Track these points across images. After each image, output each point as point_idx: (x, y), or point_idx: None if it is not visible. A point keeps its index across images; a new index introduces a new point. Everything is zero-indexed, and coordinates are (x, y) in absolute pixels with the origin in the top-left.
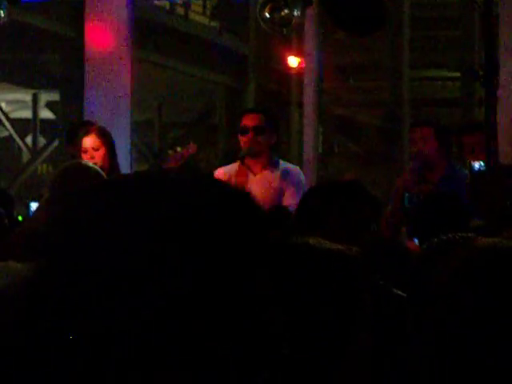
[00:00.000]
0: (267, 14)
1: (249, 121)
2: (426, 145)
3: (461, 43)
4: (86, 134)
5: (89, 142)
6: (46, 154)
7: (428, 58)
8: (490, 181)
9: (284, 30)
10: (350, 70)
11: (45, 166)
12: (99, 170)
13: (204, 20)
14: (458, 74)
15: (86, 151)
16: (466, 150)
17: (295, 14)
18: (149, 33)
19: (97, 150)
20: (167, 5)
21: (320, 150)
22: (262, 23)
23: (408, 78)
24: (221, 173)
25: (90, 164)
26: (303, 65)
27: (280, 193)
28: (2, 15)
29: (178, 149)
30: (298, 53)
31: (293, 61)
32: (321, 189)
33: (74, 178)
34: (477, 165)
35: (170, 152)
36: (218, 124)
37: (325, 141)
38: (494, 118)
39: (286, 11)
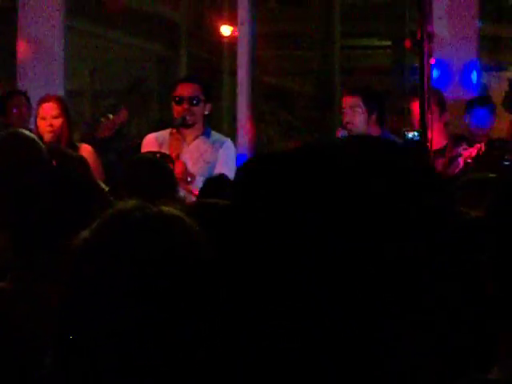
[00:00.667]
0: None
1: (184, 90)
2: (354, 114)
3: (391, 12)
4: (45, 100)
5: (48, 109)
6: None
7: (359, 27)
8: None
9: None
10: (281, 38)
11: None
12: (36, 138)
13: None
14: (388, 43)
15: (44, 118)
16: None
17: None
18: (80, 1)
19: (56, 117)
20: None
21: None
22: None
23: (339, 47)
24: (152, 138)
25: (27, 132)
26: (236, 33)
27: (212, 163)
28: None
29: (110, 116)
30: (230, 21)
31: (225, 30)
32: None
33: (10, 147)
34: (410, 134)
35: (103, 119)
36: (150, 92)
37: (256, 110)
38: (427, 87)
39: None
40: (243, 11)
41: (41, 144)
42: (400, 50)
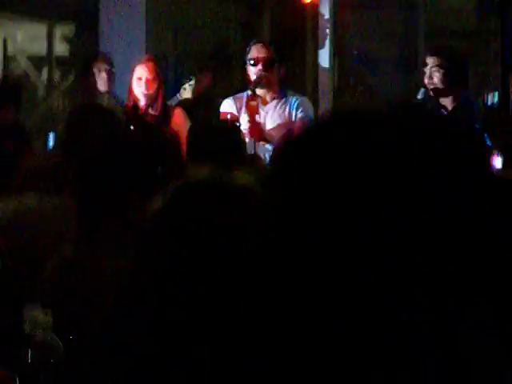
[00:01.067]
0: None
1: (258, 53)
2: (434, 74)
3: None
4: (143, 62)
5: (146, 70)
6: (61, 88)
7: None
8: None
9: None
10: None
11: (60, 99)
12: (113, 111)
13: None
14: (473, 5)
15: (140, 78)
16: None
17: None
18: None
19: (152, 80)
20: None
21: (336, 84)
22: None
23: (423, 9)
24: (229, 102)
25: (104, 105)
26: None
27: (290, 123)
28: None
29: (193, 82)
30: None
31: None
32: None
33: (87, 120)
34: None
35: (186, 83)
36: (233, 56)
37: (340, 73)
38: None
39: None
40: None
41: (118, 117)
42: (485, 13)
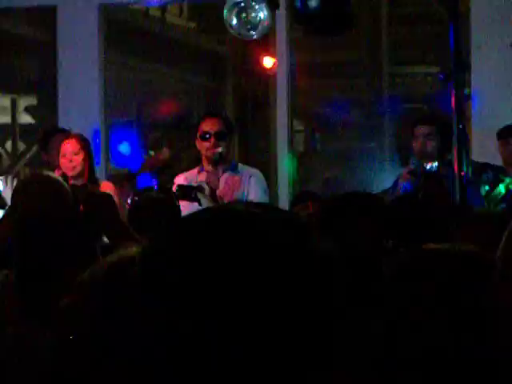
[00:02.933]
0: (234, 19)
1: (209, 126)
2: (427, 142)
3: (440, 39)
4: (67, 138)
5: (69, 146)
6: (25, 158)
7: (407, 54)
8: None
9: (253, 33)
10: (329, 67)
11: (26, 169)
12: (62, 182)
13: (181, 22)
14: (436, 70)
15: (64, 155)
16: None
17: (261, 17)
18: (125, 35)
19: (76, 154)
20: (143, 8)
21: (301, 149)
22: (228, 29)
23: (387, 74)
24: (181, 178)
25: (53, 175)
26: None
27: (242, 196)
28: None
29: (152, 153)
30: (273, 53)
31: (268, 61)
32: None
33: (35, 190)
34: (429, 166)
35: (145, 157)
36: (196, 125)
37: (305, 139)
38: (463, 119)
39: (253, 15)
40: (281, 42)
41: (65, 186)
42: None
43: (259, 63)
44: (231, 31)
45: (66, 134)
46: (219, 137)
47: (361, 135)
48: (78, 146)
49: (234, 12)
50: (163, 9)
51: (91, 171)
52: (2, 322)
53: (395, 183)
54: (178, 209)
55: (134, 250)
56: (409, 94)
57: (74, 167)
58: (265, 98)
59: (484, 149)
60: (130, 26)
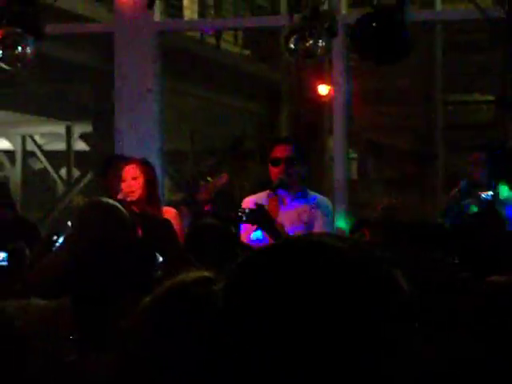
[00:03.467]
0: (292, 45)
1: (280, 152)
2: (475, 168)
3: (494, 67)
4: (127, 163)
5: (128, 170)
6: (80, 185)
7: (460, 82)
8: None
9: (309, 60)
10: (383, 95)
11: (80, 197)
12: (118, 205)
13: (235, 49)
14: (491, 98)
15: (124, 180)
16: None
17: (320, 44)
18: (181, 63)
19: (135, 178)
20: (198, 35)
21: (355, 176)
22: (287, 54)
23: (441, 102)
24: (250, 201)
25: (110, 201)
26: (333, 93)
27: (309, 225)
28: (29, 51)
29: (209, 179)
30: (328, 81)
31: (323, 89)
32: None
33: (92, 215)
34: (484, 195)
35: (202, 183)
36: (251, 151)
37: (360, 166)
38: None
39: (311, 42)
40: (338, 69)
41: (123, 211)
42: (502, 106)
43: (314, 90)
44: (288, 57)
45: (127, 159)
46: (289, 163)
47: (415, 162)
48: (138, 171)
49: (292, 39)
50: (218, 36)
51: (152, 196)
52: (60, 350)
53: (449, 207)
54: (235, 235)
55: (193, 274)
56: (462, 121)
57: (133, 192)
58: (319, 126)
59: None
60: (186, 53)
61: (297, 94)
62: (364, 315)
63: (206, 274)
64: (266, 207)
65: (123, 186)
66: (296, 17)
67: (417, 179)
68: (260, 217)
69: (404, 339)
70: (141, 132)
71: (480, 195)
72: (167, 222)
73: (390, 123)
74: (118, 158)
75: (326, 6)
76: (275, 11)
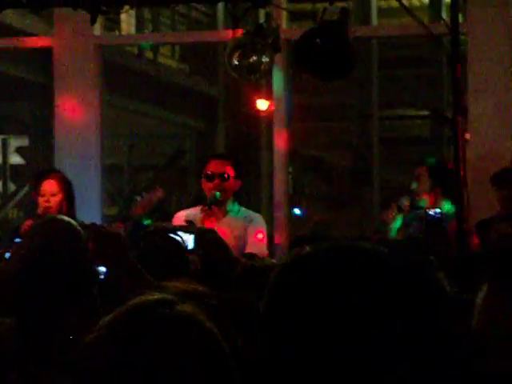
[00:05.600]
0: (236, 62)
1: (215, 167)
2: (420, 183)
3: (429, 82)
4: (46, 178)
5: (47, 186)
6: (16, 199)
7: (396, 98)
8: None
9: (253, 76)
10: (318, 111)
11: (15, 211)
12: (72, 222)
13: (173, 63)
14: (426, 113)
15: (43, 195)
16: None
17: (264, 60)
18: (117, 77)
19: (54, 195)
20: (135, 49)
21: (290, 192)
22: (230, 71)
23: (377, 118)
24: (182, 215)
25: (66, 219)
26: (272, 107)
27: (242, 240)
28: None
29: (144, 194)
30: (267, 95)
31: (262, 104)
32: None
33: (40, 229)
34: (432, 212)
35: (137, 198)
36: (188, 167)
37: (295, 182)
38: (463, 162)
39: (255, 58)
40: (279, 85)
41: (77, 228)
42: (438, 120)
43: (252, 105)
44: (232, 74)
45: (52, 173)
46: (223, 179)
47: (351, 179)
48: (57, 187)
49: (236, 55)
50: (155, 50)
51: (70, 212)
52: (4, 368)
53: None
54: (185, 249)
55: (158, 295)
56: (398, 137)
57: (51, 208)
58: (257, 141)
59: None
60: (122, 67)
61: (234, 108)
62: (409, 316)
63: (167, 296)
64: (198, 221)
65: (41, 200)
66: (239, 32)
67: (353, 196)
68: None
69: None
70: (80, 146)
71: (427, 212)
72: (119, 235)
73: (327, 139)
74: (53, 172)
75: (267, 21)
76: (213, 26)
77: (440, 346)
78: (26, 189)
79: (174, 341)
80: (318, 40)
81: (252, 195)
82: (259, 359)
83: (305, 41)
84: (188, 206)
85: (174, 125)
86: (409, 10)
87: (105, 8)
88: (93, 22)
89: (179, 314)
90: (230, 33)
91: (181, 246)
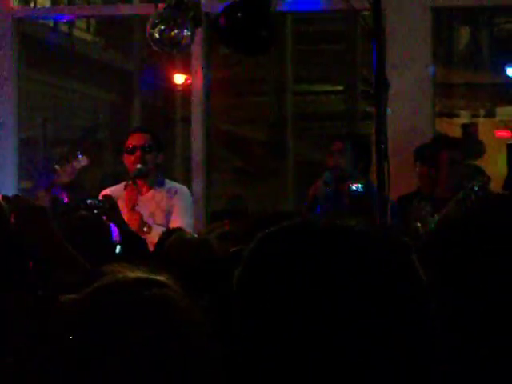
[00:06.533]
0: (157, 35)
1: (136, 140)
2: (342, 158)
3: (343, 57)
4: None
5: None
6: None
7: (311, 73)
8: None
9: (174, 50)
10: (233, 85)
11: None
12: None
13: (88, 37)
14: (341, 88)
15: None
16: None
17: (185, 34)
18: (32, 50)
19: None
20: (51, 23)
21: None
22: (151, 44)
23: (291, 93)
24: (107, 193)
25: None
26: (189, 81)
27: (168, 212)
28: None
29: (57, 167)
30: (183, 70)
31: (179, 78)
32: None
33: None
34: (354, 187)
35: (57, 167)
36: (104, 141)
37: (210, 156)
38: (384, 137)
39: (176, 31)
40: (197, 60)
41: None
42: (352, 96)
43: (169, 80)
44: (153, 47)
45: None
46: (145, 151)
47: (266, 153)
48: None
49: (157, 28)
50: (71, 23)
51: None
52: None
53: (312, 197)
54: (109, 226)
55: (133, 274)
56: (312, 112)
57: None
58: (173, 116)
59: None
60: (38, 41)
61: (150, 83)
62: (387, 296)
63: (155, 276)
64: (123, 197)
65: None
66: (160, 6)
67: (268, 170)
68: (109, 209)
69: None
70: None
71: (350, 187)
72: (43, 209)
73: (241, 113)
74: None
75: None
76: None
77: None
78: None
79: (153, 323)
80: (239, 14)
81: (166, 170)
82: (233, 335)
83: (226, 15)
84: (103, 181)
85: (88, 98)
86: None
87: None
88: None
89: (160, 296)
90: (146, 7)
91: (106, 227)
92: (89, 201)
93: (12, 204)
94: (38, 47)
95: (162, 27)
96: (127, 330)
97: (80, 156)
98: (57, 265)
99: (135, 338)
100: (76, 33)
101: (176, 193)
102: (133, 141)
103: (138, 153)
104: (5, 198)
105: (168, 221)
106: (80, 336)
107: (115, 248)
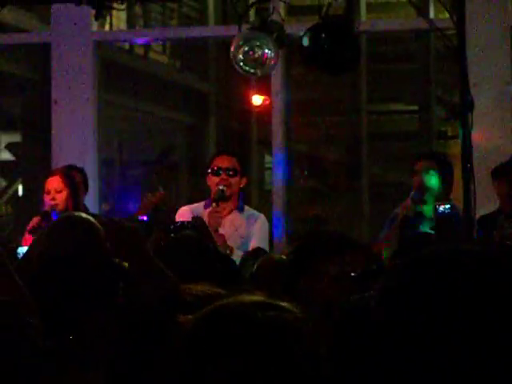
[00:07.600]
0: (241, 56)
1: (221, 162)
2: (427, 177)
3: (417, 77)
4: (50, 175)
5: (52, 183)
6: (6, 195)
7: (385, 93)
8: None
9: (258, 70)
10: (309, 105)
11: (8, 207)
12: (91, 219)
13: (164, 59)
14: (415, 108)
15: (48, 192)
16: None
17: (269, 55)
18: (109, 73)
19: (59, 192)
20: (127, 45)
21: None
22: (235, 65)
23: (365, 113)
24: (186, 210)
25: (84, 215)
26: (266, 103)
27: (245, 239)
28: None
29: (149, 195)
30: (260, 91)
31: (257, 99)
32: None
33: (63, 229)
34: (441, 208)
35: (143, 198)
36: (179, 162)
37: (289, 178)
38: (470, 157)
39: (260, 52)
40: (277, 81)
41: (96, 225)
42: (427, 115)
43: (245, 101)
44: (237, 69)
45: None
46: (229, 174)
47: (340, 173)
48: (61, 183)
49: (241, 49)
50: (147, 46)
51: (77, 207)
52: (33, 368)
53: (404, 216)
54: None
55: (252, 297)
56: (387, 132)
57: (58, 205)
58: (249, 137)
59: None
60: (114, 64)
61: (225, 103)
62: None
63: (263, 297)
64: (203, 216)
65: (47, 198)
66: (244, 27)
67: (343, 189)
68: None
69: None
70: (77, 142)
71: (438, 208)
72: (136, 229)
73: (317, 134)
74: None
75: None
76: (203, 22)
77: None
78: (16, 185)
79: (264, 344)
80: (323, 35)
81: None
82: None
83: (310, 36)
84: (180, 202)
85: (164, 120)
86: (414, 5)
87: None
88: (97, 17)
89: (279, 317)
90: (220, 29)
91: (209, 248)
92: (182, 220)
93: (107, 226)
94: (114, 70)
95: (246, 48)
96: (239, 349)
97: (158, 191)
98: (146, 280)
99: (245, 357)
100: (152, 55)
101: (255, 220)
102: (218, 162)
103: (223, 174)
104: (99, 220)
105: (246, 247)
106: (195, 353)
107: (216, 266)
